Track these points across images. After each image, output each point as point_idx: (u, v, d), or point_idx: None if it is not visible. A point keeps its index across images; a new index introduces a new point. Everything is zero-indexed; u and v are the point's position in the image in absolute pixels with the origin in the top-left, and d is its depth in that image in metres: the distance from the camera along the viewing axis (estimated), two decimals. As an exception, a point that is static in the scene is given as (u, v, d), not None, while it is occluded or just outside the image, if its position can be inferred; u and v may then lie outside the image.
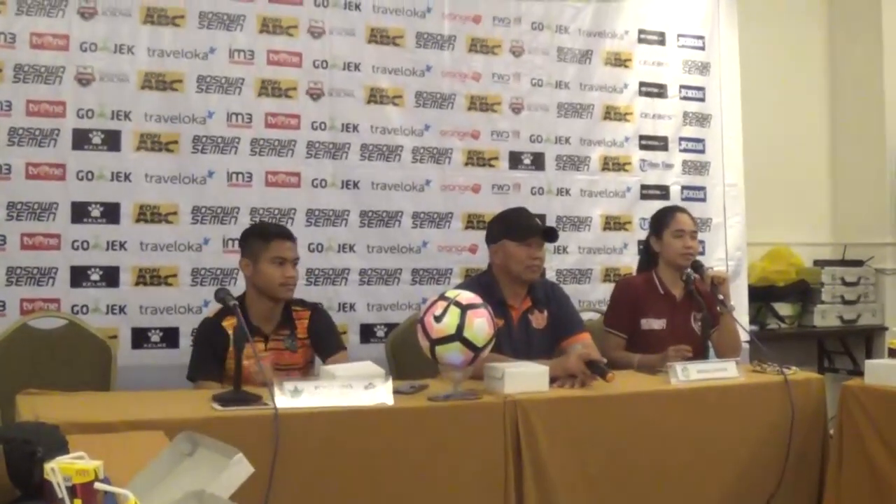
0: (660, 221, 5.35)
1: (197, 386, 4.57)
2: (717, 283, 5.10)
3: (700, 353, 4.96)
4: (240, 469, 2.16)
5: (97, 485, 1.99)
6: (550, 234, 5.00)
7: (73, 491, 1.99)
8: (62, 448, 2.33)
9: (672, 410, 4.38)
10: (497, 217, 5.16)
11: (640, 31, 6.73)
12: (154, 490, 2.25)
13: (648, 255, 5.45)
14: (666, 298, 5.23)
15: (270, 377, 3.98)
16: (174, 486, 2.25)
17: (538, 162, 6.38)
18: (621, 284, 5.55)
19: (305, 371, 4.74)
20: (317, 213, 5.80)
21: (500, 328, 4.32)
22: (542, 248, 4.88)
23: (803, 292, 7.59)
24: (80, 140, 5.34)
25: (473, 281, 4.99)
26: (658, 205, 5.91)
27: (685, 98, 6.84)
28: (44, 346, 4.93)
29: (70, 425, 3.10)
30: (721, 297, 5.08)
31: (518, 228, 4.85)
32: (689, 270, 5.17)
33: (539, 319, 4.89)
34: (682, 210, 5.42)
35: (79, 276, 5.32)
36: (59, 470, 1.99)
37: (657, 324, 5.17)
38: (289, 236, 4.79)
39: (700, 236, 6.04)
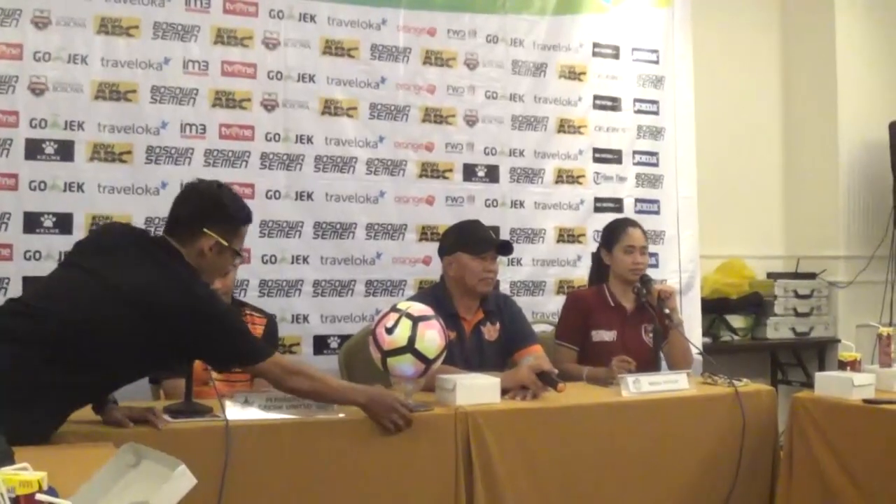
0: (611, 235, 5.36)
1: (162, 387, 4.61)
2: (664, 297, 5.10)
3: (652, 365, 4.99)
4: (183, 480, 2.16)
5: (39, 496, 1.98)
6: (505, 248, 5.03)
7: (16, 502, 1.98)
8: (8, 459, 2.32)
9: (623, 422, 4.40)
10: (451, 229, 5.17)
11: (595, 45, 6.74)
12: (98, 502, 2.25)
13: (599, 267, 5.46)
14: (616, 310, 5.25)
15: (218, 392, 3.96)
16: (118, 498, 2.25)
17: (492, 174, 6.38)
18: (571, 297, 5.54)
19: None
20: (270, 224, 5.79)
21: (452, 340, 4.32)
22: (496, 262, 4.90)
23: (756, 305, 7.64)
24: (33, 150, 5.29)
25: (426, 293, 5.01)
26: (612, 217, 5.87)
27: (639, 111, 6.86)
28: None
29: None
30: (667, 311, 5.08)
31: (473, 241, 4.86)
32: (637, 284, 5.20)
33: (491, 332, 4.90)
34: (634, 224, 5.40)
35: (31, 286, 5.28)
36: (3, 481, 1.99)
37: (608, 336, 5.18)
38: None
39: (653, 249, 6.10)
